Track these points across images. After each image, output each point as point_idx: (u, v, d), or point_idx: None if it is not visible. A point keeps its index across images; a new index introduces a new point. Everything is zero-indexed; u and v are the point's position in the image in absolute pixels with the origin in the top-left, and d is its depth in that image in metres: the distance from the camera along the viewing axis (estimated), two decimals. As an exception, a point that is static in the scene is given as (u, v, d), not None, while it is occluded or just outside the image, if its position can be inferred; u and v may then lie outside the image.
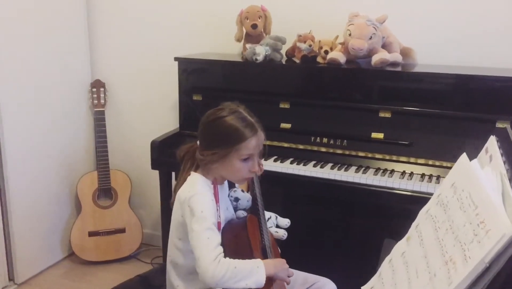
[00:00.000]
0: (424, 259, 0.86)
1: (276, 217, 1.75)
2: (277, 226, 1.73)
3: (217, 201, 1.50)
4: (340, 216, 2.37)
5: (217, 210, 1.48)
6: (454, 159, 1.95)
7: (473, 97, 2.05)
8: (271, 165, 2.13)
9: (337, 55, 2.23)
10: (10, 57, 2.43)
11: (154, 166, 2.37)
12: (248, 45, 2.39)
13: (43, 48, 2.63)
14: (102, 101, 2.92)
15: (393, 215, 2.08)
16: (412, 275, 0.88)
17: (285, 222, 1.74)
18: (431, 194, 1.85)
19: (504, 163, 0.86)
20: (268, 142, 1.57)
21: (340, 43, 2.29)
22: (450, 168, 1.96)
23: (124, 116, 3.04)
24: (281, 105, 2.31)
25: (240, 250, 1.49)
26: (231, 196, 1.66)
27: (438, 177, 1.99)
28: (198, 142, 1.55)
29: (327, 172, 2.07)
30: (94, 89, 2.92)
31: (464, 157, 0.96)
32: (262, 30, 2.43)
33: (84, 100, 2.95)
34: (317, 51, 2.32)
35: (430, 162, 2.05)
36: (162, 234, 2.53)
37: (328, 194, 2.11)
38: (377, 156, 2.12)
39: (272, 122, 2.24)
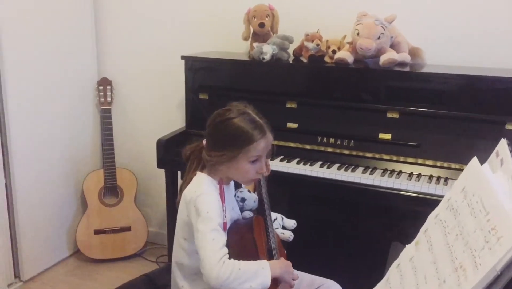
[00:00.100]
0: (433, 265, 0.84)
1: (283, 218, 1.74)
2: (283, 227, 1.72)
3: (223, 201, 1.49)
4: (347, 217, 2.35)
5: (223, 210, 1.47)
6: (462, 160, 1.98)
7: (482, 98, 2.02)
8: (277, 164, 2.12)
9: (345, 54, 2.21)
10: (17, 55, 2.44)
11: (160, 164, 2.37)
12: (255, 44, 2.38)
13: (50, 46, 2.63)
14: (109, 99, 2.92)
15: (400, 217, 2.07)
16: (420, 281, 0.87)
17: (291, 223, 1.73)
18: (439, 196, 1.87)
19: (516, 167, 0.85)
20: (274, 142, 1.55)
21: (348, 43, 2.28)
22: (458, 169, 2.00)
23: (130, 115, 3.03)
24: (288, 105, 2.30)
25: (245, 251, 1.48)
26: (238, 196, 1.65)
27: (446, 179, 1.97)
28: (204, 142, 1.54)
29: (334, 173, 2.06)
30: (101, 87, 2.92)
31: (475, 160, 0.95)
32: (270, 29, 2.41)
33: (91, 98, 2.95)
34: (325, 51, 2.31)
35: (438, 164, 2.03)
36: (168, 233, 2.53)
37: (334, 194, 2.10)
38: (385, 156, 2.11)
39: (278, 122, 2.23)
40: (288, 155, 2.20)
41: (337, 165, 2.11)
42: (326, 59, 2.31)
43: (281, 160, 2.17)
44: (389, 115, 2.12)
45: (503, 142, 0.95)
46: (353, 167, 2.09)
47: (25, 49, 2.49)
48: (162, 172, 2.40)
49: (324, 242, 2.38)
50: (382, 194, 1.95)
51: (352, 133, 2.16)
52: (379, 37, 2.13)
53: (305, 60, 2.37)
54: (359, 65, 2.25)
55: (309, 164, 2.13)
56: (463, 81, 2.06)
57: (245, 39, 2.48)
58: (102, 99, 2.91)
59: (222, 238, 1.40)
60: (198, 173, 1.54)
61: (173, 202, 2.35)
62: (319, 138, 2.21)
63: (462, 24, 2.28)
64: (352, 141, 2.16)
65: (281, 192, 2.37)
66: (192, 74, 2.47)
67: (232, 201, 1.62)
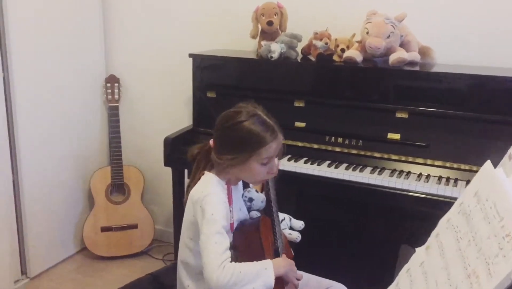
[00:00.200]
0: (444, 271, 0.82)
1: (290, 219, 1.72)
2: (291, 228, 1.71)
3: (230, 202, 1.48)
4: (354, 219, 2.33)
5: (230, 211, 1.46)
6: (472, 161, 1.96)
7: (493, 99, 2.00)
8: (284, 164, 2.11)
9: (353, 53, 2.19)
10: (25, 53, 2.44)
11: (167, 162, 2.37)
12: (263, 42, 2.36)
13: (58, 43, 2.63)
14: (116, 96, 2.92)
15: (409, 219, 2.05)
16: (431, 287, 0.85)
17: (299, 224, 1.71)
18: (448, 197, 1.86)
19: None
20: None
21: (357, 42, 2.25)
22: (468, 170, 1.98)
23: (137, 112, 3.03)
24: (296, 104, 2.28)
25: (252, 252, 1.47)
26: (245, 196, 1.64)
27: (455, 180, 1.94)
28: (211, 142, 1.52)
29: (342, 172, 2.04)
30: (109, 85, 2.91)
31: (488, 164, 0.92)
32: (278, 27, 2.40)
33: (98, 95, 2.95)
34: (334, 49, 2.28)
35: (448, 164, 2.00)
36: (174, 231, 2.53)
37: (342, 195, 2.08)
38: (393, 157, 2.09)
39: (286, 121, 2.20)
40: (296, 154, 2.19)
41: (345, 165, 2.09)
42: (335, 58, 2.29)
43: (289, 159, 2.15)
44: (398, 115, 2.10)
45: (516, 146, 0.93)
46: (361, 167, 2.07)
47: (33, 46, 2.49)
48: (169, 169, 2.40)
49: (331, 243, 2.36)
50: (390, 194, 1.94)
51: (361, 133, 2.14)
52: (388, 36, 2.11)
53: (313, 59, 2.35)
54: (368, 64, 2.23)
55: (316, 163, 2.12)
56: (473, 81, 2.03)
57: (253, 37, 2.46)
58: (110, 97, 2.91)
59: (225, 241, 1.39)
60: (206, 173, 1.52)
61: (180, 200, 2.36)
62: (327, 137, 2.19)
63: (473, 23, 2.25)
64: (361, 141, 2.14)
65: (288, 191, 2.34)
66: (200, 72, 2.46)
67: (239, 202, 1.61)
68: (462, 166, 1.98)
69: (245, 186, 1.65)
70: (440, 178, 1.97)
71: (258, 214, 1.65)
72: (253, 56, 2.47)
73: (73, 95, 2.78)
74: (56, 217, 2.78)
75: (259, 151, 1.43)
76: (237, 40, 2.64)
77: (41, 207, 2.65)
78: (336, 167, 2.08)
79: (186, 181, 2.42)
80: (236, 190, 1.58)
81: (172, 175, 2.39)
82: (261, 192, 1.67)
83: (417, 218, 2.06)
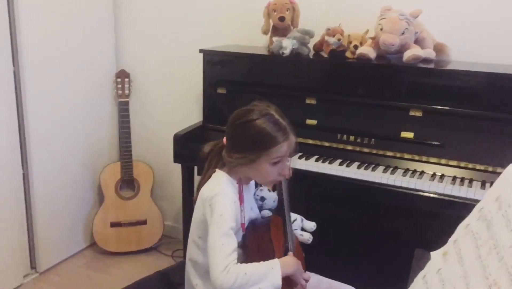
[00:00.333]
0: (463, 280, 0.79)
1: (302, 220, 1.70)
2: (303, 229, 1.68)
3: (241, 201, 1.46)
4: (366, 219, 2.29)
5: (242, 210, 1.44)
6: (488, 161, 1.92)
7: (509, 97, 1.94)
8: (295, 162, 2.07)
9: (367, 50, 2.15)
10: (35, 47, 2.43)
11: (176, 159, 2.35)
12: (274, 38, 2.33)
13: (68, 38, 2.62)
14: (127, 91, 2.91)
15: (423, 220, 2.01)
16: (448, 295, 0.82)
17: (311, 225, 1.69)
18: (463, 198, 1.82)
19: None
20: (292, 139, 1.50)
21: (371, 38, 2.22)
22: (483, 170, 1.93)
23: (148, 108, 3.02)
24: (307, 101, 2.25)
25: (262, 252, 1.45)
26: (257, 195, 1.61)
27: (470, 180, 1.90)
28: (224, 140, 1.50)
29: (353, 171, 2.01)
30: (119, 80, 2.90)
31: (511, 167, 0.89)
32: (290, 23, 2.36)
33: (109, 90, 2.94)
34: (346, 46, 2.25)
35: (462, 164, 1.96)
36: (183, 228, 2.52)
37: (353, 194, 2.04)
38: (406, 156, 2.05)
39: (297, 118, 2.18)
40: (307, 152, 2.15)
41: (356, 164, 2.06)
42: (348, 54, 2.25)
43: (299, 157, 2.12)
44: (412, 113, 2.06)
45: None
46: (373, 166, 2.04)
47: (44, 41, 2.48)
48: (179, 165, 2.38)
49: (342, 245, 2.32)
50: (403, 194, 1.90)
51: (373, 131, 2.11)
52: (403, 33, 2.07)
53: (325, 56, 2.31)
54: (381, 61, 2.19)
55: (328, 161, 2.09)
56: (490, 79, 1.99)
57: (265, 33, 2.43)
58: (120, 92, 2.90)
59: (233, 242, 1.37)
60: (217, 171, 1.50)
61: (189, 197, 2.35)
62: (339, 135, 2.16)
63: (490, 20, 2.20)
64: (373, 139, 2.11)
65: (298, 190, 2.31)
66: (210, 68, 2.43)
67: (251, 201, 1.59)
68: (477, 166, 1.94)
69: (258, 184, 1.63)
70: (454, 178, 1.93)
71: (270, 213, 1.63)
72: (264, 52, 2.44)
73: (83, 90, 2.77)
74: (66, 212, 2.78)
75: (269, 151, 1.40)
76: (248, 36, 2.61)
77: (51, 201, 2.65)
78: (347, 166, 2.05)
79: (196, 177, 2.43)
80: (247, 189, 1.56)
81: (181, 171, 2.38)
82: (274, 191, 1.65)
83: (431, 219, 2.02)
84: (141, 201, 2.90)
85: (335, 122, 2.18)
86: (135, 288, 1.73)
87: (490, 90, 1.98)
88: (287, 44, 2.24)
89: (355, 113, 2.16)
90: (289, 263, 1.42)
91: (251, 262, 1.40)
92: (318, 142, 2.19)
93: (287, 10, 2.33)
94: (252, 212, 1.57)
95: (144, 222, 2.91)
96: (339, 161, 2.09)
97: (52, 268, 2.72)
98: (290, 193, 1.67)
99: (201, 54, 2.42)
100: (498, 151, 1.90)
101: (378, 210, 2.24)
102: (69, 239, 2.83)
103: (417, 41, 2.16)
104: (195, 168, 2.42)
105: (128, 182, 2.91)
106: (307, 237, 1.66)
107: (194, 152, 2.19)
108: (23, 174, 2.51)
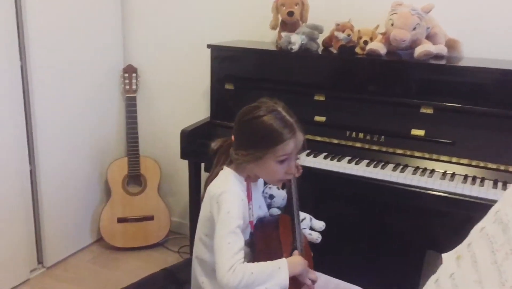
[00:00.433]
0: (478, 285, 0.76)
1: (311, 219, 1.67)
2: (311, 228, 1.65)
3: (249, 199, 1.43)
4: (375, 218, 2.26)
5: (250, 208, 1.42)
6: (500, 160, 1.88)
7: (523, 95, 1.90)
8: (303, 159, 2.05)
9: (377, 46, 2.12)
10: (42, 42, 2.42)
11: (183, 155, 2.33)
12: (283, 34, 2.30)
13: (76, 33, 2.61)
14: (134, 87, 2.89)
15: (433, 219, 1.98)
16: (462, 300, 0.79)
17: (320, 224, 1.66)
18: (474, 198, 1.78)
19: None
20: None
21: (381, 33, 2.18)
22: (495, 169, 1.89)
23: (155, 103, 3.00)
24: (316, 97, 2.22)
25: (269, 250, 1.43)
26: (266, 193, 1.59)
27: (482, 179, 1.87)
28: (233, 137, 1.48)
29: (363, 169, 1.98)
30: (126, 75, 2.89)
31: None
32: (299, 17, 2.33)
33: (116, 85, 2.93)
34: (356, 41, 2.21)
35: (474, 163, 1.93)
36: (190, 225, 2.50)
37: (362, 192, 2.02)
38: (417, 154, 2.01)
39: (306, 114, 2.15)
40: (315, 149, 2.13)
41: (366, 161, 2.03)
42: (357, 50, 2.21)
43: (307, 154, 2.10)
44: (423, 110, 2.02)
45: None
46: (383, 163, 2.01)
47: (51, 36, 2.47)
48: (186, 161, 2.36)
49: (351, 244, 2.28)
50: (413, 193, 1.86)
51: (383, 128, 2.07)
52: (414, 28, 2.03)
53: (335, 51, 2.28)
54: (392, 57, 2.15)
55: (336, 159, 2.06)
56: (503, 76, 1.94)
57: (273, 28, 2.40)
58: (127, 87, 2.88)
59: (239, 241, 1.35)
60: (225, 168, 1.48)
61: (196, 193, 2.34)
62: (348, 132, 2.13)
63: (503, 15, 2.15)
64: (383, 136, 2.07)
65: (306, 188, 2.28)
66: (218, 64, 2.41)
67: (259, 199, 1.57)
68: (489, 165, 1.90)
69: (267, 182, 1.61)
70: (466, 176, 1.89)
71: (279, 212, 1.61)
72: (272, 47, 2.41)
73: (91, 85, 2.76)
74: (73, 207, 2.78)
75: (275, 148, 1.38)
76: (256, 31, 2.58)
77: (58, 197, 2.65)
78: (356, 163, 2.02)
79: (203, 174, 2.41)
80: (256, 186, 1.54)
81: (188, 167, 2.36)
82: (283, 189, 1.62)
83: (441, 219, 1.99)
84: (148, 196, 2.89)
85: (344, 119, 2.15)
86: (141, 285, 1.73)
87: (503, 87, 1.94)
88: (296, 40, 2.21)
89: (365, 110, 2.13)
90: (297, 262, 1.39)
91: (258, 260, 1.38)
92: (327, 140, 2.16)
93: (296, 5, 2.30)
94: (260, 210, 1.55)
95: (151, 218, 2.90)
96: (347, 158, 2.06)
97: (59, 263, 2.72)
98: (298, 191, 1.65)
99: (209, 50, 2.40)
100: (511, 149, 1.86)
101: (387, 209, 2.20)
102: (76, 234, 2.83)
103: (429, 37, 2.12)
104: (202, 164, 2.40)
105: (135, 178, 2.90)
106: (316, 237, 1.63)
107: (201, 148, 2.19)
108: (30, 170, 2.51)
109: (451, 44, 2.18)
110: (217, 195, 1.40)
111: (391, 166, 1.99)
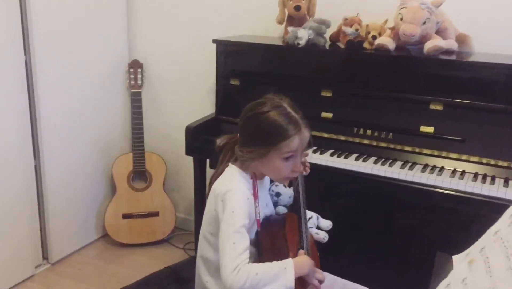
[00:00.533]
0: (491, 291, 0.73)
1: (318, 218, 1.64)
2: (318, 228, 1.63)
3: (256, 197, 1.41)
4: (383, 217, 2.22)
5: (256, 206, 1.39)
6: (511, 158, 1.83)
7: (536, 91, 1.86)
8: (309, 156, 2.00)
9: (386, 41, 2.08)
10: (47, 37, 2.40)
11: (188, 151, 2.31)
12: (290, 28, 2.26)
13: (81, 27, 2.59)
14: (139, 82, 2.87)
15: (442, 218, 1.94)
16: (474, 306, 0.76)
17: (327, 224, 1.63)
18: (485, 196, 1.74)
19: None
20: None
21: (390, 28, 2.14)
22: (506, 167, 1.85)
23: (160, 99, 2.98)
24: (323, 93, 2.18)
25: (275, 250, 1.41)
26: (272, 190, 1.57)
27: (493, 177, 1.83)
28: (239, 134, 1.46)
29: (370, 166, 1.94)
30: (132, 70, 2.87)
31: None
32: (306, 12, 2.29)
33: (121, 80, 2.91)
34: (364, 36, 2.18)
35: (484, 160, 1.89)
36: (195, 222, 2.48)
37: (370, 190, 1.98)
38: (426, 151, 1.98)
39: (312, 111, 2.12)
40: (321, 146, 2.10)
41: (373, 158, 2.00)
42: (365, 45, 2.18)
43: (314, 151, 2.07)
44: (432, 107, 1.98)
45: None
46: (391, 161, 1.97)
47: (56, 30, 2.45)
48: (191, 157, 2.34)
49: (358, 244, 2.25)
50: (421, 191, 1.83)
51: (391, 125, 2.04)
52: (424, 23, 1.99)
53: (342, 46, 2.24)
54: (401, 53, 2.11)
55: (343, 156, 2.03)
56: (514, 72, 1.90)
57: (280, 22, 2.37)
58: (133, 82, 2.86)
59: (244, 240, 1.32)
60: (230, 165, 1.46)
61: (201, 190, 2.32)
62: (355, 129, 2.10)
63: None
64: (391, 133, 2.04)
65: (312, 185, 2.26)
66: (224, 59, 2.38)
67: (266, 197, 1.54)
68: (500, 163, 1.86)
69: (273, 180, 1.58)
70: (476, 174, 1.85)
71: (285, 210, 1.58)
72: (279, 42, 2.38)
73: (96, 80, 2.74)
74: (78, 203, 2.77)
75: (280, 145, 1.35)
76: (262, 26, 2.55)
77: (63, 192, 2.64)
78: (364, 161, 1.98)
79: (208, 170, 2.38)
80: (262, 184, 1.51)
81: (193, 164, 2.34)
82: (290, 186, 1.59)
83: (451, 218, 1.95)
84: (154, 192, 2.88)
85: (352, 116, 2.11)
86: (145, 283, 1.71)
87: (515, 83, 1.90)
88: (303, 35, 2.17)
89: (373, 107, 2.09)
90: (304, 263, 1.37)
91: (264, 259, 1.36)
92: (334, 136, 2.13)
93: (303, -1, 2.26)
94: (267, 208, 1.52)
95: (156, 214, 2.89)
96: (355, 155, 2.03)
97: (64, 259, 2.72)
98: (305, 189, 1.62)
99: (214, 45, 2.37)
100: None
101: (395, 207, 2.17)
102: (81, 230, 2.83)
103: (439, 32, 2.07)
104: (207, 161, 2.37)
105: (140, 174, 2.89)
106: (323, 236, 1.60)
107: (206, 144, 2.17)
108: (35, 165, 2.50)
109: (461, 39, 2.14)
110: (222, 193, 1.37)
111: (399, 163, 1.95)
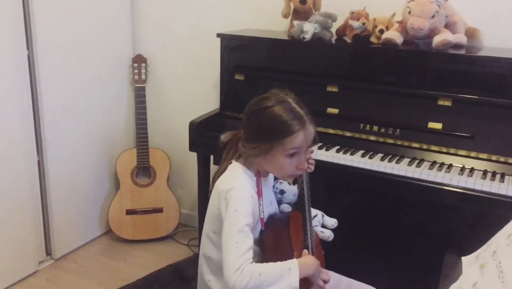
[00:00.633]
0: (504, 297, 0.70)
1: (323, 216, 1.61)
2: (323, 226, 1.59)
3: (259, 195, 1.38)
4: (389, 215, 2.19)
5: (260, 204, 1.36)
6: (522, 155, 1.79)
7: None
8: (315, 152, 1.98)
9: (393, 35, 2.04)
10: (51, 32, 2.38)
11: (192, 147, 2.29)
12: (295, 22, 2.23)
13: (84, 22, 2.57)
14: (143, 77, 2.85)
15: (450, 216, 1.90)
16: (486, 312, 0.73)
17: (332, 222, 1.60)
18: (494, 194, 1.71)
19: None
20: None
21: (398, 22, 2.11)
22: (516, 165, 1.81)
23: (164, 93, 2.96)
24: (329, 89, 2.15)
25: (279, 249, 1.38)
26: (277, 188, 1.54)
27: (502, 175, 1.79)
28: (242, 129, 1.42)
29: (377, 163, 1.91)
30: (136, 64, 2.84)
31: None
32: (312, 5, 2.26)
33: (125, 75, 2.89)
34: (371, 30, 2.14)
35: (494, 158, 1.85)
36: (199, 218, 2.46)
37: (376, 188, 1.95)
38: (433, 148, 1.94)
39: (318, 106, 2.09)
40: (327, 142, 2.06)
41: (380, 155, 1.96)
42: (372, 39, 2.14)
43: (320, 148, 2.04)
44: (441, 102, 1.95)
45: None
46: (398, 157, 1.94)
47: (59, 25, 2.43)
48: (195, 153, 2.31)
49: (363, 242, 2.22)
50: (429, 189, 1.80)
51: (398, 121, 2.00)
52: (433, 16, 1.95)
53: (349, 40, 2.21)
54: (409, 47, 2.08)
55: (349, 152, 1.99)
56: (525, 67, 1.85)
57: (285, 16, 2.34)
58: (137, 77, 2.84)
59: (247, 240, 1.29)
60: (233, 162, 1.43)
61: (205, 186, 2.29)
62: (361, 125, 2.06)
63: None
64: (398, 129, 2.00)
65: (317, 182, 2.23)
66: (228, 53, 2.35)
67: (270, 195, 1.51)
68: (510, 160, 1.83)
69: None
70: (485, 172, 1.82)
71: (289, 208, 1.55)
72: (284, 36, 2.35)
73: (99, 74, 2.72)
74: (81, 199, 2.76)
75: (283, 141, 1.31)
76: (267, 20, 2.51)
77: (66, 188, 2.63)
78: (370, 157, 1.95)
79: (212, 166, 2.36)
80: (266, 182, 1.48)
81: (197, 160, 2.32)
82: (294, 184, 1.56)
83: (459, 216, 1.92)
84: (157, 188, 2.86)
85: (358, 111, 2.08)
86: (147, 280, 1.69)
87: (526, 79, 1.85)
88: (309, 28, 2.14)
89: (380, 102, 2.06)
90: (309, 263, 1.33)
91: (268, 259, 1.33)
92: (340, 132, 2.10)
93: (309, -8, 2.22)
94: (271, 206, 1.49)
95: (160, 210, 2.87)
96: (361, 152, 2.00)
97: (67, 254, 2.71)
98: (310, 186, 1.59)
99: (219, 39, 2.34)
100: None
101: (402, 205, 2.14)
102: (84, 226, 2.81)
103: (448, 26, 2.04)
104: (211, 157, 2.35)
105: (144, 169, 2.87)
106: (328, 234, 1.57)
107: (210, 140, 2.14)
108: (38, 161, 2.48)
109: (470, 33, 2.10)
110: (225, 191, 1.34)
111: (406, 160, 1.92)
